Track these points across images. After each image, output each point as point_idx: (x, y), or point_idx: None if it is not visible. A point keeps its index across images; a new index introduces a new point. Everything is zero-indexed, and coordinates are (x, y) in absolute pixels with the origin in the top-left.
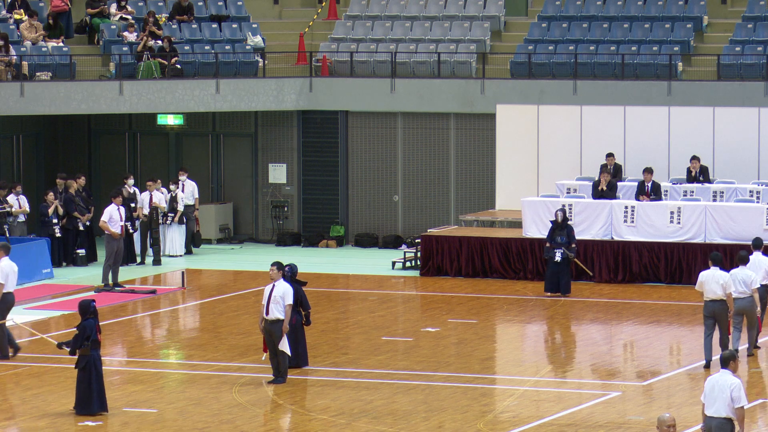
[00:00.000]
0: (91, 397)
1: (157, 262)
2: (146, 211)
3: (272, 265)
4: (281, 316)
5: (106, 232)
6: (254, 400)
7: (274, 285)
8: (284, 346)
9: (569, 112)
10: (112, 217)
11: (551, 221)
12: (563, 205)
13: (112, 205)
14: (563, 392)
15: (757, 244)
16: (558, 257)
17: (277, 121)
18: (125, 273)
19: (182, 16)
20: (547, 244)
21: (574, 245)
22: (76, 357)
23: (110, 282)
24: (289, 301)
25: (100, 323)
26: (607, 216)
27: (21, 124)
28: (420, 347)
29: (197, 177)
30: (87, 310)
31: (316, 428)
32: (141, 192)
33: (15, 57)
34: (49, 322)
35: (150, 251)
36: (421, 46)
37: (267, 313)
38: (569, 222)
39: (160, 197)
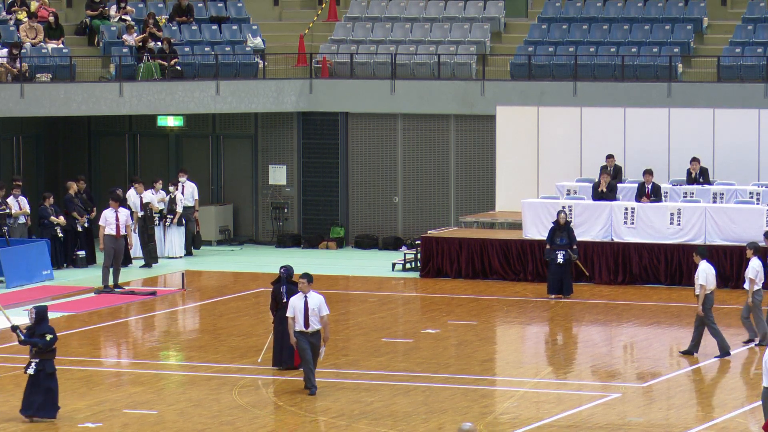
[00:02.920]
0: (56, 399)
1: (153, 260)
2: (140, 213)
3: (301, 277)
4: (319, 327)
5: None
6: (254, 401)
7: (306, 297)
8: (321, 354)
9: (569, 113)
10: (107, 220)
11: (553, 222)
12: (563, 207)
13: (109, 208)
14: (563, 394)
15: None
16: (560, 259)
17: (277, 122)
18: (124, 275)
19: (182, 17)
20: (548, 246)
21: (575, 246)
22: (32, 361)
23: (110, 283)
24: (327, 311)
25: (101, 324)
26: (607, 217)
27: (21, 125)
28: (420, 349)
29: (197, 178)
30: (45, 315)
31: (316, 430)
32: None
33: (16, 68)
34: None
35: (145, 251)
36: (421, 47)
37: (307, 326)
38: (570, 223)
39: (151, 197)
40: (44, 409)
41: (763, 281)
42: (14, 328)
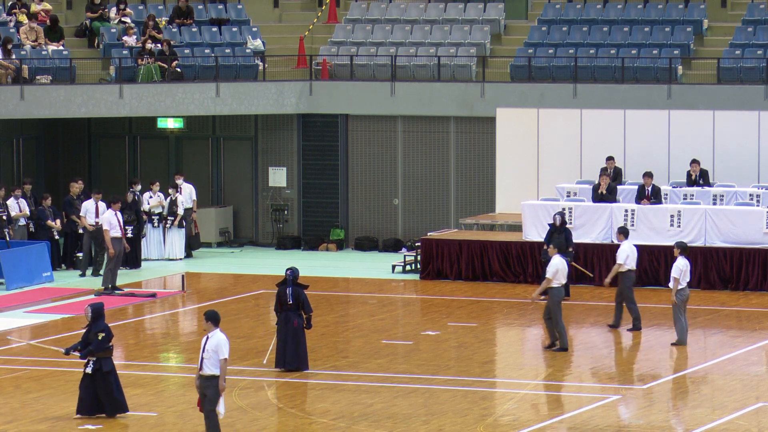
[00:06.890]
0: (122, 397)
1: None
2: (92, 222)
3: (204, 314)
4: (216, 372)
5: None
6: (254, 403)
7: (207, 337)
8: (221, 407)
9: (569, 115)
10: (111, 222)
11: (549, 224)
12: (562, 209)
13: (110, 210)
14: (563, 396)
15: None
16: None
17: (278, 124)
18: (126, 277)
19: (182, 19)
20: (545, 247)
21: (571, 249)
22: (85, 360)
23: (110, 285)
24: (225, 355)
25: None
26: (608, 219)
27: (21, 127)
28: (420, 351)
29: (197, 180)
30: (101, 313)
31: None
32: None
33: (15, 61)
34: (48, 326)
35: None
36: (421, 49)
37: (200, 368)
38: (567, 226)
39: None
40: (106, 406)
41: (687, 280)
42: (68, 351)
